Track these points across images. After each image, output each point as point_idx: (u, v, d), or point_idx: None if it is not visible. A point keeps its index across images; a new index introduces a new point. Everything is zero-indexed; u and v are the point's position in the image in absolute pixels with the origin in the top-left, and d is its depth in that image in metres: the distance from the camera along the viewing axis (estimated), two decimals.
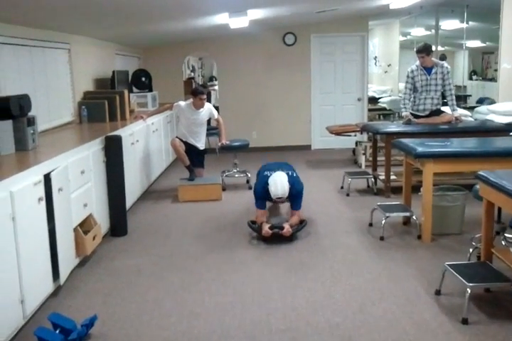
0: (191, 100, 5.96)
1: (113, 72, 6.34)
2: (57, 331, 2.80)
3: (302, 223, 4.44)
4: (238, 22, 5.89)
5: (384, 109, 10.42)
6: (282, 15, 6.92)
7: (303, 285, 3.42)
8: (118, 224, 4.60)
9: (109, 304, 3.26)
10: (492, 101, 8.65)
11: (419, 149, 3.99)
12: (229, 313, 3.07)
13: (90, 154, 4.06)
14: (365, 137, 7.97)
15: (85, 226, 3.96)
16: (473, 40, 9.78)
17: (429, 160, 3.96)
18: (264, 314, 3.04)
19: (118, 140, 4.44)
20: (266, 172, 4.51)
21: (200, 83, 13.68)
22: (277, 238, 4.22)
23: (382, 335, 2.75)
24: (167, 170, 7.30)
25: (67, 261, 3.51)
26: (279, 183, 4.27)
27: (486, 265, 3.08)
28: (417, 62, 5.83)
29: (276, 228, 4.25)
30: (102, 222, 4.31)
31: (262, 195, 4.42)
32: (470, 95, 9.11)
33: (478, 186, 3.39)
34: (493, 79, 10.38)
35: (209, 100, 9.25)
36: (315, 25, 8.54)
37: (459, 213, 4.25)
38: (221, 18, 5.97)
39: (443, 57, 9.01)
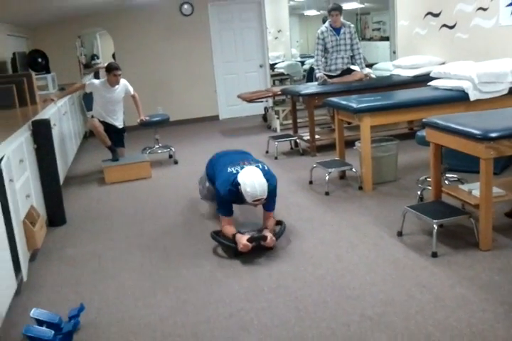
0: (105, 77, 5.68)
1: (13, 53, 5.81)
2: (44, 327, 2.65)
3: (281, 225, 3.61)
4: None
5: (281, 74, 10.63)
6: None
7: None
8: (55, 213, 4.35)
9: (83, 293, 3.11)
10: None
11: (356, 105, 4.19)
12: (220, 283, 3.05)
13: (23, 141, 3.76)
14: (270, 102, 8.17)
15: (28, 218, 3.70)
16: (351, 2, 10.27)
17: (365, 114, 4.19)
18: (265, 274, 3.10)
19: (47, 123, 4.15)
20: (230, 169, 3.47)
21: (84, 62, 12.97)
22: (257, 251, 3.34)
23: (368, 279, 2.94)
24: (78, 153, 6.93)
25: (24, 256, 3.29)
26: (256, 181, 3.25)
27: (441, 202, 3.38)
28: (326, 24, 6.04)
29: (256, 239, 3.32)
30: (40, 212, 4.04)
31: (230, 198, 3.42)
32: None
33: (420, 133, 3.67)
34: (372, 39, 11.14)
35: (97, 77, 8.82)
36: None
37: (393, 161, 4.57)
38: None
39: (325, 19, 9.35)
